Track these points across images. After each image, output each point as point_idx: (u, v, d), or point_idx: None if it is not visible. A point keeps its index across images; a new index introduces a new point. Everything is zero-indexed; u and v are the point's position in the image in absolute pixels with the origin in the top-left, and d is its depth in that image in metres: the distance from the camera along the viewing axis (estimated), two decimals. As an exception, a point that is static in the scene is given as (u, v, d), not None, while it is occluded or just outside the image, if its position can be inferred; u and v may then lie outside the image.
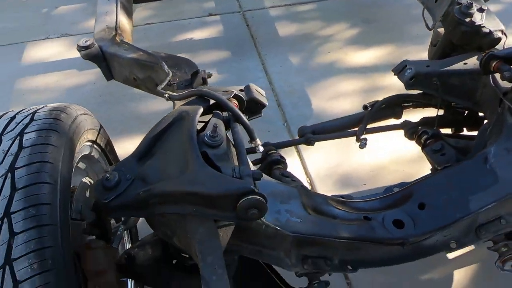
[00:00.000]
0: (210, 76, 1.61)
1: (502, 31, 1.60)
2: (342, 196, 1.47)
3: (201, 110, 1.22)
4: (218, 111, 1.24)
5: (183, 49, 3.02)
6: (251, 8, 3.39)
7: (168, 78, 1.55)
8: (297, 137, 1.79)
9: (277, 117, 2.53)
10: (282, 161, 1.54)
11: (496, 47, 1.59)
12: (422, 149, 1.61)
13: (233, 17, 3.31)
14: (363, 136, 1.68)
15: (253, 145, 1.27)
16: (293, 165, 2.26)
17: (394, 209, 1.35)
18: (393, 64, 1.69)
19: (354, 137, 1.70)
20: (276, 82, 2.74)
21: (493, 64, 1.39)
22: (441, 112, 1.78)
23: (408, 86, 1.64)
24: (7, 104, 2.68)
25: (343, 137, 1.74)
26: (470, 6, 1.55)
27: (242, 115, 1.23)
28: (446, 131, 1.77)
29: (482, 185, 1.30)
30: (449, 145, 1.54)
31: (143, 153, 1.19)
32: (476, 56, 1.60)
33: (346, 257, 1.30)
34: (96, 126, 1.42)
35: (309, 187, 2.17)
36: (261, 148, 1.28)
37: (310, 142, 1.72)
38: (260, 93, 1.58)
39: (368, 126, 1.79)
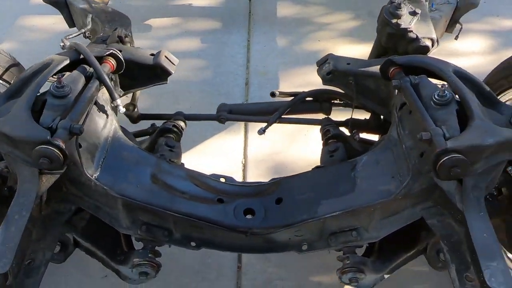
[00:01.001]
0: (126, 36, 1.62)
1: (431, 39, 1.48)
2: (224, 177, 1.46)
3: (66, 61, 1.24)
4: (84, 66, 1.26)
5: (179, 12, 3.05)
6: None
7: (83, 31, 1.59)
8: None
9: (240, 95, 2.51)
10: (174, 131, 1.54)
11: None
12: (322, 147, 1.55)
13: (241, -10, 3.27)
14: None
15: (114, 105, 1.28)
16: (235, 144, 2.25)
17: (252, 198, 1.33)
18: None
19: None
20: (253, 60, 2.71)
21: (391, 71, 1.30)
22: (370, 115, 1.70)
23: (325, 81, 1.57)
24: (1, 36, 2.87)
25: (254, 122, 1.71)
26: (399, 6, 1.44)
27: (103, 73, 1.24)
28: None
29: (338, 191, 1.24)
30: (346, 148, 1.47)
31: (13, 92, 1.24)
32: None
33: (190, 233, 1.30)
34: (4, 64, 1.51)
35: (241, 168, 2.16)
36: (122, 109, 1.29)
37: (220, 120, 1.70)
38: (170, 61, 1.59)
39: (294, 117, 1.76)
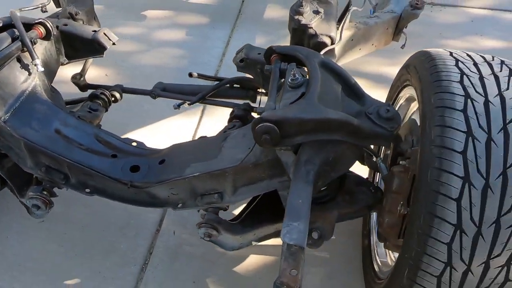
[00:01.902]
0: (77, 13, 1.86)
1: (330, 37, 1.61)
2: (136, 142, 1.66)
3: (-2, 25, 1.50)
4: (13, 29, 1.50)
5: (174, 6, 3.30)
6: (259, -13, 3.52)
7: (40, 5, 1.85)
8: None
9: (206, 83, 2.70)
10: (101, 98, 1.76)
11: (322, 52, 1.61)
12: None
13: (237, -10, 3.48)
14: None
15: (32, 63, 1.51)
16: (189, 124, 2.44)
17: (142, 158, 1.52)
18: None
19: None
20: (228, 54, 2.90)
21: (272, 58, 1.45)
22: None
23: (238, 68, 1.75)
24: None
25: (180, 100, 1.89)
26: (300, 4, 1.59)
27: (25, 34, 1.47)
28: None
29: (205, 156, 1.40)
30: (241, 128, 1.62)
31: None
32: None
33: (85, 180, 1.51)
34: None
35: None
36: (40, 68, 1.51)
37: (152, 95, 1.91)
38: (108, 37, 1.81)
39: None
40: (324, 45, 1.60)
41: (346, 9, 1.88)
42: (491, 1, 3.38)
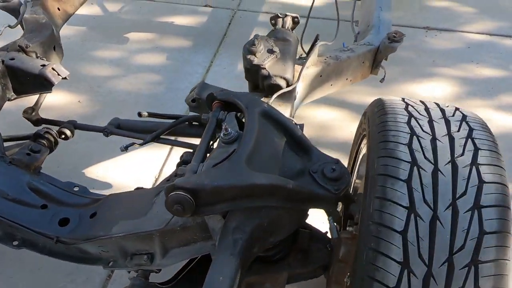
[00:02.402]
0: (27, 46, 1.77)
1: (285, 79, 1.47)
2: (78, 186, 1.54)
3: None
4: None
5: (158, 29, 3.21)
6: (246, 8, 3.41)
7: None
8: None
9: (181, 111, 2.58)
10: (45, 137, 1.65)
11: (275, 95, 1.47)
12: (175, 171, 1.58)
13: (224, 12, 3.38)
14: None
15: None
16: (159, 154, 2.31)
17: (75, 209, 1.39)
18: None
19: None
20: (207, 80, 2.77)
21: (213, 104, 1.32)
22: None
23: (190, 108, 1.62)
24: None
25: (133, 138, 1.77)
26: (253, 43, 1.46)
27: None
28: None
29: (135, 213, 1.27)
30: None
31: None
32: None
33: (12, 232, 1.39)
34: None
35: (153, 179, 2.23)
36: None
37: (105, 133, 1.79)
38: (57, 72, 1.71)
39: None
40: (278, 87, 1.46)
41: (313, 44, 1.74)
42: (490, 25, 3.20)
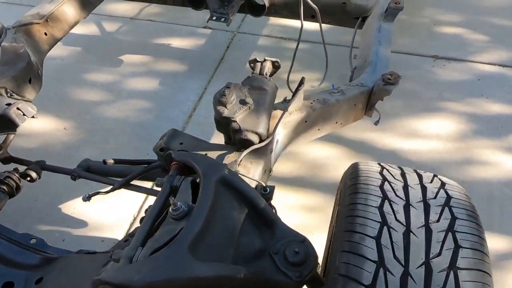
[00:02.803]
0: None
1: (257, 134, 1.34)
2: (36, 238, 1.43)
3: None
4: None
5: (154, 52, 3.11)
6: (246, 31, 3.29)
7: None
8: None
9: (169, 144, 2.48)
10: (5, 183, 1.55)
11: (246, 151, 1.33)
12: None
13: (223, 35, 3.26)
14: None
15: None
16: (133, 203, 2.19)
17: (23, 271, 1.28)
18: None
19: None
20: (199, 109, 2.66)
21: (171, 165, 1.19)
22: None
23: (158, 157, 1.50)
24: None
25: (102, 182, 1.66)
26: (223, 93, 1.33)
27: None
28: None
29: (80, 283, 1.15)
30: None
31: None
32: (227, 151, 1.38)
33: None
34: None
35: (130, 222, 2.11)
36: None
37: (72, 177, 1.68)
38: (23, 112, 1.61)
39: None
40: (250, 142, 1.33)
41: (297, 89, 1.61)
42: (503, 55, 3.01)
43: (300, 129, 1.68)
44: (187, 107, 2.68)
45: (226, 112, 1.33)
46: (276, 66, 1.54)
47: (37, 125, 2.55)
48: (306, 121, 1.67)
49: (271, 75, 1.54)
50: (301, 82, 1.64)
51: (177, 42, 3.21)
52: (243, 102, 1.34)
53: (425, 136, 2.47)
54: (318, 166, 2.33)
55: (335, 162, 2.34)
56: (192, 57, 3.08)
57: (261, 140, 1.34)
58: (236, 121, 1.32)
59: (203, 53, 3.11)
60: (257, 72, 1.49)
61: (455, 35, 3.21)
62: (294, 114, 1.62)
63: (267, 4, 2.60)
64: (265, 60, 1.50)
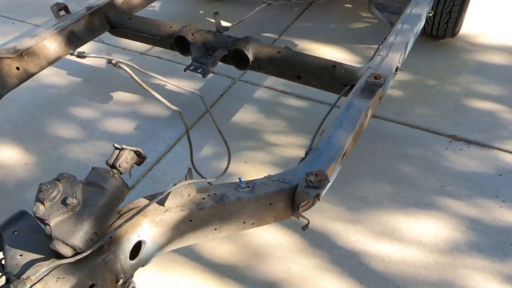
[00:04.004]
0: None
1: (72, 246, 1.06)
2: None
3: None
4: None
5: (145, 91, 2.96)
6: (248, 79, 3.03)
7: None
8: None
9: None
10: None
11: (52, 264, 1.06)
12: None
13: (222, 81, 3.04)
14: None
15: None
16: None
17: None
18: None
19: None
20: (162, 163, 2.45)
21: None
22: None
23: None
24: None
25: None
26: (40, 189, 1.08)
27: None
28: None
29: None
30: None
31: None
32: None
33: None
34: None
35: None
36: None
37: None
38: None
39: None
40: (61, 255, 1.07)
41: (179, 181, 1.32)
42: (543, 147, 2.40)
43: (184, 229, 1.38)
44: (153, 159, 2.47)
45: (41, 212, 1.08)
46: (142, 156, 1.27)
47: (3, 156, 2.52)
48: (191, 220, 1.37)
49: (138, 164, 1.28)
50: (186, 175, 1.35)
51: (173, 83, 3.04)
52: (64, 202, 1.09)
53: (405, 240, 2.00)
54: (260, 255, 1.98)
55: (282, 255, 1.97)
56: (182, 101, 2.89)
57: (75, 254, 1.08)
58: (49, 225, 1.07)
59: (195, 98, 2.90)
60: (110, 163, 1.23)
61: (488, 112, 2.65)
62: (171, 211, 1.34)
63: (251, 58, 2.34)
64: (122, 148, 1.24)
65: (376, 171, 2.31)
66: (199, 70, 2.40)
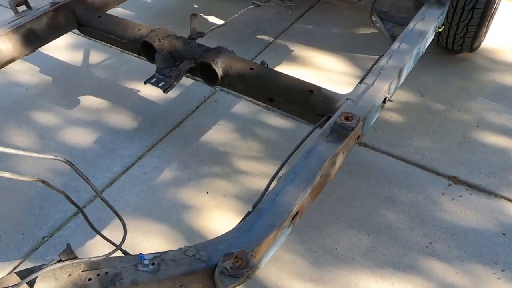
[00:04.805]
0: None
1: None
2: None
3: None
4: None
5: (117, 95, 2.68)
6: (230, 90, 2.70)
7: None
8: None
9: (52, 228, 2.02)
10: None
11: None
12: None
13: (201, 89, 2.72)
14: None
15: None
16: None
17: None
18: None
19: None
20: (115, 186, 2.17)
21: None
22: None
23: None
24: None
25: None
26: None
27: None
28: None
29: None
30: None
31: None
32: None
33: None
34: None
35: None
36: None
37: None
38: None
39: None
40: None
41: (60, 259, 1.04)
42: (561, 202, 1.99)
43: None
44: (105, 181, 2.20)
45: None
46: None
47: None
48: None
49: None
50: (60, 255, 1.07)
51: (148, 89, 2.75)
52: None
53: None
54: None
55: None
56: (152, 112, 2.59)
57: None
58: None
59: (166, 109, 2.61)
60: None
61: (500, 149, 2.24)
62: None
63: (219, 74, 2.02)
64: None
65: (354, 218, 1.96)
66: (160, 84, 2.09)
